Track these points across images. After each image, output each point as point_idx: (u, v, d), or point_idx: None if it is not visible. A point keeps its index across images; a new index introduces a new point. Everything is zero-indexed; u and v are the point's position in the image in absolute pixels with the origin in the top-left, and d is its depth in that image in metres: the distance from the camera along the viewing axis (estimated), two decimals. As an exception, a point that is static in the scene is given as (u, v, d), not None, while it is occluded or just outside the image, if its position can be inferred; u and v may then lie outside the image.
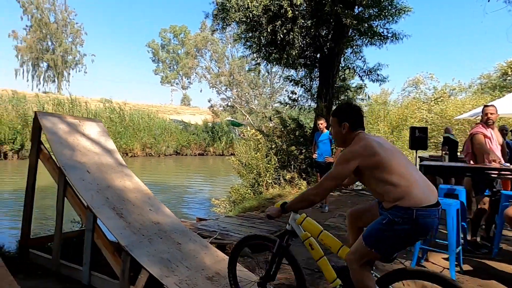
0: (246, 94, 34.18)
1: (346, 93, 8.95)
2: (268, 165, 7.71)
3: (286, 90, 36.28)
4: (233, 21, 7.18)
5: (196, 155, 29.50)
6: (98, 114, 24.63)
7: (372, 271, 2.06)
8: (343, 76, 9.10)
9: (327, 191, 2.05)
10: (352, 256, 1.98)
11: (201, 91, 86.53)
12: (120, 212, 3.04)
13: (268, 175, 7.68)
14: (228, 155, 30.57)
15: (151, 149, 26.49)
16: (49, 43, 49.26)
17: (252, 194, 7.73)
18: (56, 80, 50.60)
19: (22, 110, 20.53)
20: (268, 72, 30.31)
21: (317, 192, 2.03)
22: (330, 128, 2.97)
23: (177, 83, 62.27)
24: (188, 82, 54.52)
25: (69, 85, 52.97)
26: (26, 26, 47.84)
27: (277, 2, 6.66)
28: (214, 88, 34.97)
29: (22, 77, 51.32)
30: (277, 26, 6.94)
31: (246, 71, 34.49)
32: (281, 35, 6.88)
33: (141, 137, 25.85)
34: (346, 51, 8.73)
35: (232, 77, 32.98)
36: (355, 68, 8.90)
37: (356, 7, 7.59)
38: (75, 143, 3.32)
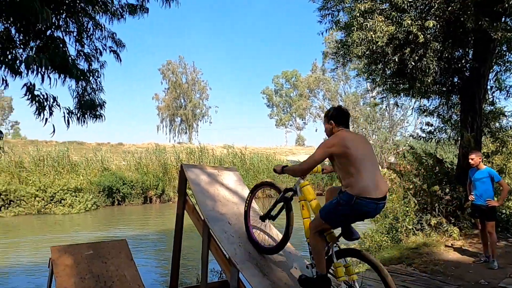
0: (363, 129, 32.67)
1: (499, 119, 7.43)
2: (407, 209, 6.74)
3: (407, 122, 33.40)
4: (354, 56, 6.87)
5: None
6: (223, 159, 26.74)
7: (336, 244, 2.67)
8: (491, 99, 7.66)
9: (309, 169, 2.69)
10: (311, 225, 2.62)
11: (316, 131, 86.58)
12: (263, 268, 2.85)
13: (407, 220, 6.69)
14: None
15: (270, 191, 27.09)
16: (182, 101, 57.36)
17: (389, 242, 6.80)
18: (187, 131, 58.00)
19: (163, 160, 23.69)
20: (386, 106, 28.58)
21: (301, 168, 2.72)
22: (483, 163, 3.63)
23: (290, 125, 64.09)
24: (303, 123, 55.53)
25: (197, 135, 59.92)
26: (165, 88, 57.05)
27: (404, 28, 6.10)
28: (328, 127, 34.55)
29: (162, 131, 60.49)
30: (406, 54, 6.32)
31: (362, 106, 33.28)
32: (412, 63, 6.21)
33: (261, 178, 26.78)
34: (492, 70, 7.40)
35: (346, 113, 32.16)
36: (507, 88, 7.40)
37: (504, 17, 6.43)
38: (215, 193, 3.38)
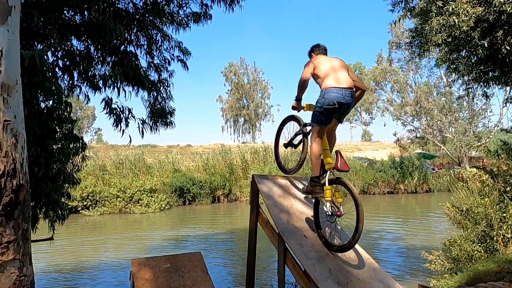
0: (438, 122, 30.01)
1: None
2: (504, 215, 5.88)
3: (491, 111, 29.92)
4: (433, 45, 6.17)
5: (384, 193, 27.29)
6: (287, 158, 26.54)
7: (331, 172, 3.30)
8: None
9: (302, 87, 3.45)
10: (312, 137, 3.38)
11: (385, 125, 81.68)
12: (345, 287, 2.60)
13: (505, 227, 5.83)
14: (422, 193, 26.99)
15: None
16: (244, 101, 58.44)
17: (482, 252, 6.00)
18: (251, 131, 58.94)
19: (228, 160, 24.30)
20: (465, 95, 25.86)
21: (297, 89, 3.47)
22: None
23: (356, 120, 61.65)
24: (370, 117, 53.01)
25: (260, 134, 60.60)
26: (228, 90, 58.64)
27: (495, 8, 5.29)
28: (398, 120, 32.37)
29: (227, 132, 62.40)
30: (497, 38, 5.49)
31: (435, 96, 30.60)
32: (507, 47, 5.37)
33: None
34: None
35: (419, 105, 29.78)
36: None
37: None
38: (289, 205, 3.21)
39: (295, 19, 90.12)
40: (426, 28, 5.91)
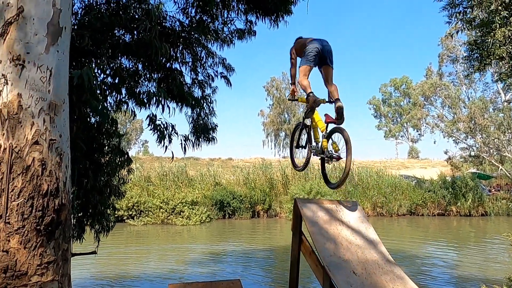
0: (495, 140, 27.76)
1: None
2: None
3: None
4: (496, 59, 5.65)
5: (434, 215, 25.52)
6: (328, 174, 25.79)
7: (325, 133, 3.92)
8: None
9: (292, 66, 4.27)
10: (299, 75, 3.91)
11: (434, 143, 77.09)
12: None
13: None
14: (477, 216, 24.84)
15: (382, 209, 24.98)
16: (286, 115, 58.31)
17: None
18: (291, 145, 58.41)
19: (269, 175, 24.12)
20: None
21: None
22: None
23: (402, 136, 59.08)
24: (418, 134, 50.46)
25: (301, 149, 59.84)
26: (269, 104, 58.89)
27: None
28: (450, 137, 30.42)
29: (267, 146, 62.43)
30: None
31: (492, 113, 28.47)
32: None
33: (371, 195, 24.95)
34: None
35: (473, 122, 27.80)
36: None
37: None
38: (335, 234, 2.94)
39: (339, 32, 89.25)
40: (489, 40, 5.43)
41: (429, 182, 27.60)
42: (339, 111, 3.73)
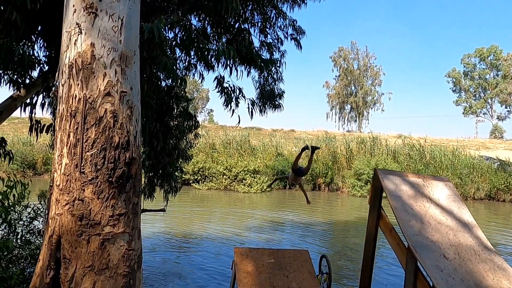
0: None
1: None
2: None
3: None
4: None
5: (518, 202, 22.85)
6: (397, 151, 24.36)
7: None
8: None
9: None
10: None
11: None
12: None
13: None
14: None
15: (457, 191, 23.01)
16: (352, 88, 55.59)
17: None
18: (357, 120, 56.03)
19: (332, 148, 23.44)
20: None
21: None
22: None
23: (484, 113, 53.11)
24: (507, 111, 44.77)
25: (368, 123, 57.06)
26: (335, 76, 56.47)
27: None
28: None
29: (331, 119, 60.43)
30: None
31: None
32: None
33: (444, 176, 23.04)
34: None
35: None
36: None
37: None
38: (422, 211, 2.58)
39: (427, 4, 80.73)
40: None
41: (515, 165, 24.58)
42: None
